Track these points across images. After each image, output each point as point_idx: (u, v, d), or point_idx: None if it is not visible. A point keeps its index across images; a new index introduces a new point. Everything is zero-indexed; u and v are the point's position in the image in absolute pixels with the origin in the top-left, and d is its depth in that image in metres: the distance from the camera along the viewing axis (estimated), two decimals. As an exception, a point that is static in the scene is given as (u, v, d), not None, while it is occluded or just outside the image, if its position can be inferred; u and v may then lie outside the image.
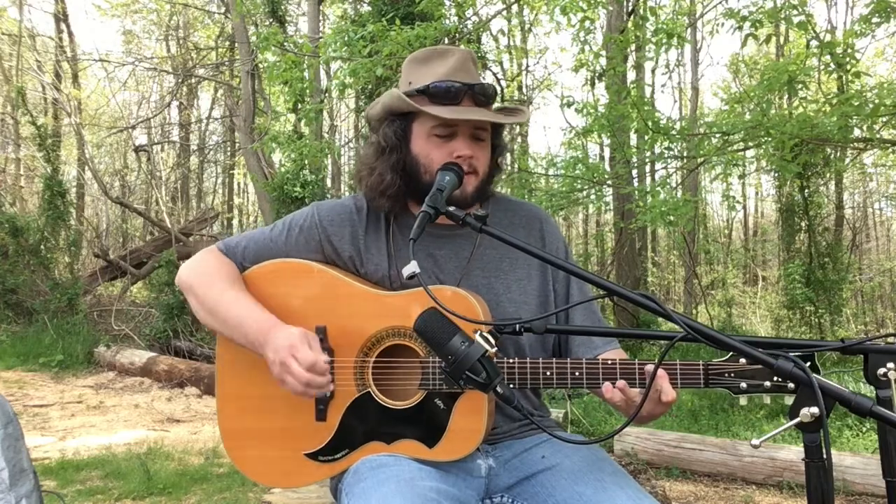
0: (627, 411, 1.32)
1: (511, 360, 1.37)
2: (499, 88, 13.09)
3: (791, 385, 1.19)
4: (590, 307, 1.61)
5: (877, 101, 4.30)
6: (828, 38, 5.55)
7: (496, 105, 1.59)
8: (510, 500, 1.47)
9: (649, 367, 1.28)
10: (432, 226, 1.51)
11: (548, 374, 1.35)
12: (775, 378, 1.23)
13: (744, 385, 1.26)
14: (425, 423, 1.43)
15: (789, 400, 1.29)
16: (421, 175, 1.49)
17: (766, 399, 1.28)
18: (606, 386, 1.30)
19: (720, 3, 5.97)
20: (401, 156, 1.50)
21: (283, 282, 1.53)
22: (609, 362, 1.33)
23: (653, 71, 12.78)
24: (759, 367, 1.25)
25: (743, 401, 1.30)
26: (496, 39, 14.40)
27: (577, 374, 1.34)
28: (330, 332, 1.48)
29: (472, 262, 1.55)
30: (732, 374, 1.27)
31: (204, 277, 1.52)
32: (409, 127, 1.51)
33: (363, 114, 1.60)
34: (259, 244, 1.57)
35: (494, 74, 13.43)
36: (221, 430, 1.55)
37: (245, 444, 1.53)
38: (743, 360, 1.26)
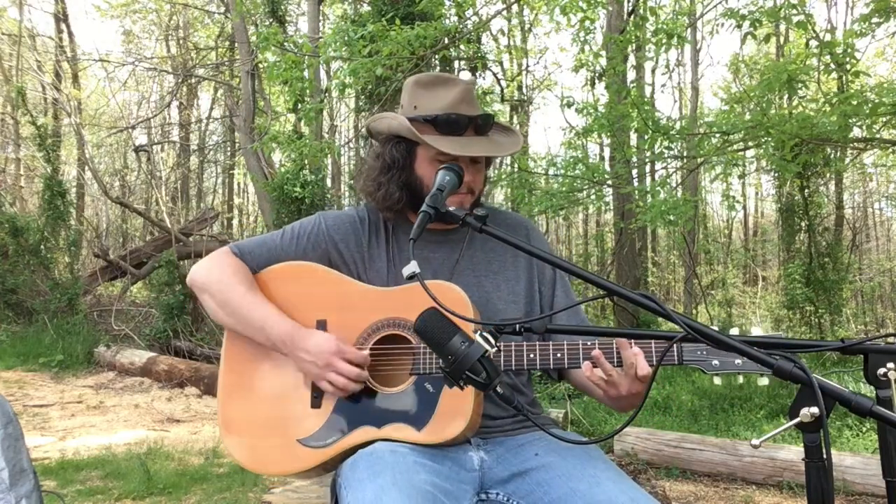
0: (608, 392, 1.39)
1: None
2: (499, 88, 13.10)
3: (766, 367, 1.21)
4: (568, 296, 1.72)
5: (877, 100, 4.30)
6: (828, 37, 5.56)
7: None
8: (506, 498, 1.48)
9: (623, 340, 1.35)
10: (428, 231, 1.57)
11: (531, 356, 1.42)
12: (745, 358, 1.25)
13: (716, 362, 1.29)
14: (414, 406, 1.48)
15: (763, 381, 1.30)
16: (424, 192, 1.58)
17: (740, 378, 1.29)
18: (586, 365, 1.37)
19: (720, 3, 5.97)
20: (405, 175, 1.62)
21: (289, 280, 1.63)
22: (589, 343, 1.40)
23: (653, 71, 12.80)
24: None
25: (717, 380, 1.31)
26: (496, 39, 14.40)
27: (558, 355, 1.41)
28: (330, 325, 1.57)
29: (461, 262, 1.64)
30: (704, 352, 1.30)
31: (224, 278, 1.61)
32: (413, 150, 1.62)
33: (365, 120, 1.66)
34: (270, 251, 1.67)
35: (494, 74, 13.44)
36: (220, 415, 1.61)
37: (242, 432, 1.58)
38: None
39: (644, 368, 1.32)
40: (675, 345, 1.32)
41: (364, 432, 1.49)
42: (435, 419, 1.46)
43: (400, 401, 1.49)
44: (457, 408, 1.45)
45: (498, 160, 7.59)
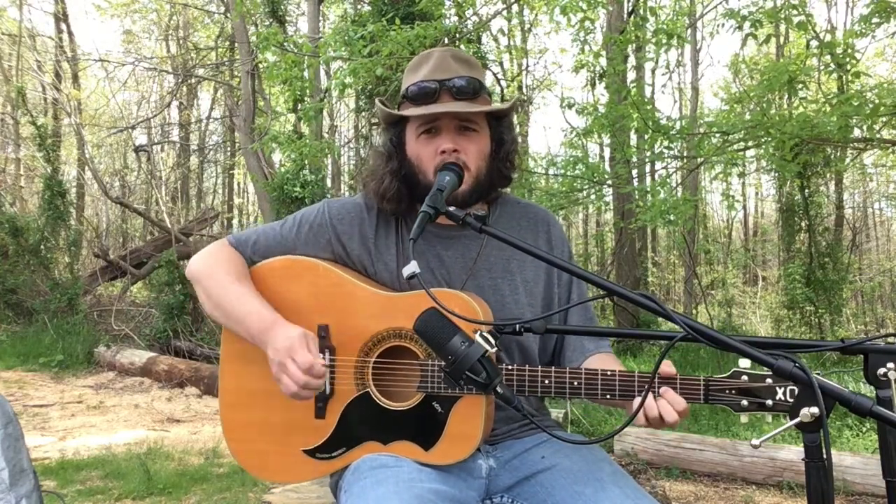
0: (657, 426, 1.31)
1: (510, 367, 1.37)
2: (499, 88, 13.09)
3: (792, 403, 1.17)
4: (586, 309, 1.63)
5: (877, 101, 4.30)
6: (828, 38, 5.56)
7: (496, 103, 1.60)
8: (510, 501, 1.47)
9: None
10: (440, 227, 1.55)
11: (546, 382, 1.35)
12: (777, 397, 1.21)
13: (745, 402, 1.24)
14: (422, 426, 1.43)
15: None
16: (417, 176, 1.51)
17: (769, 417, 1.25)
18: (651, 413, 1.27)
19: (720, 3, 5.97)
20: (399, 161, 1.54)
21: (289, 278, 1.53)
22: (609, 373, 1.32)
23: (653, 71, 12.79)
24: (761, 385, 1.23)
25: (744, 418, 1.27)
26: (496, 39, 14.41)
27: (575, 383, 1.34)
28: (332, 330, 1.49)
29: (478, 262, 1.56)
30: (733, 392, 1.25)
31: (213, 270, 1.54)
32: (402, 133, 1.56)
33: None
34: (269, 239, 1.59)
35: (494, 74, 13.44)
36: (222, 420, 1.57)
37: (244, 437, 1.54)
38: (745, 378, 1.25)
39: (672, 416, 1.25)
40: (702, 383, 1.27)
41: (371, 447, 1.46)
42: (443, 441, 1.42)
43: (407, 419, 1.44)
44: (466, 430, 1.41)
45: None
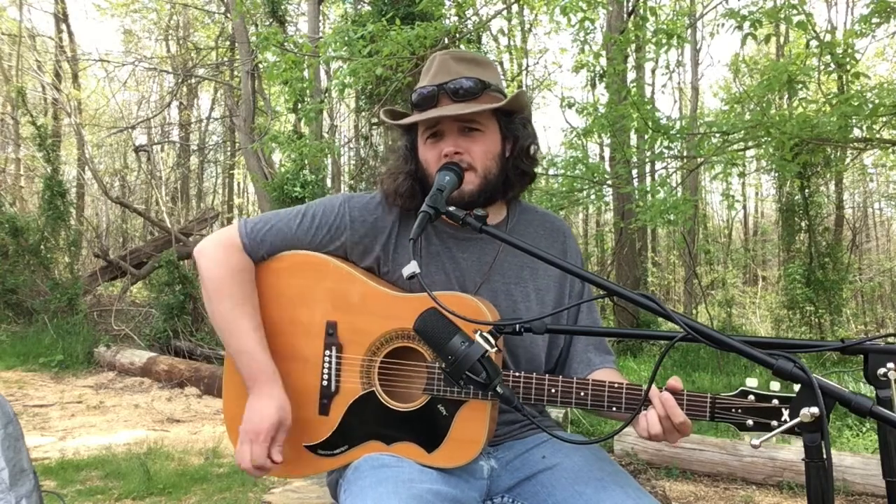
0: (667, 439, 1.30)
1: (517, 374, 1.37)
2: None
3: (798, 430, 1.12)
4: (594, 321, 1.63)
5: (877, 101, 4.30)
6: (828, 38, 5.55)
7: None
8: (511, 500, 1.47)
9: (655, 391, 1.26)
10: (456, 229, 1.56)
11: (553, 391, 1.35)
12: (783, 419, 1.20)
13: (750, 422, 1.23)
14: (426, 428, 1.43)
15: (798, 441, 1.26)
16: (428, 179, 1.51)
17: (773, 440, 1.24)
18: (652, 422, 1.26)
19: (720, 3, 5.97)
20: (414, 164, 1.55)
21: (301, 274, 1.54)
22: (615, 386, 1.32)
23: (653, 71, 12.82)
24: (767, 405, 1.21)
25: (747, 438, 1.24)
26: (496, 39, 14.42)
27: (582, 394, 1.33)
28: (340, 327, 1.49)
29: (492, 267, 1.55)
30: (739, 410, 1.24)
31: (219, 282, 1.51)
32: (414, 138, 1.57)
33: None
34: (285, 240, 1.55)
35: (494, 74, 13.43)
36: (226, 412, 1.57)
37: None
38: (751, 398, 1.23)
39: (679, 416, 1.24)
40: (708, 400, 1.26)
41: (373, 446, 1.46)
42: (446, 444, 1.42)
43: (411, 420, 1.44)
44: (470, 434, 1.41)
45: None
